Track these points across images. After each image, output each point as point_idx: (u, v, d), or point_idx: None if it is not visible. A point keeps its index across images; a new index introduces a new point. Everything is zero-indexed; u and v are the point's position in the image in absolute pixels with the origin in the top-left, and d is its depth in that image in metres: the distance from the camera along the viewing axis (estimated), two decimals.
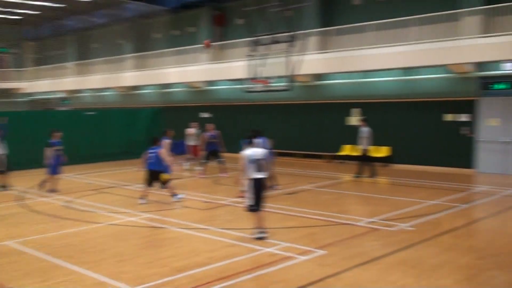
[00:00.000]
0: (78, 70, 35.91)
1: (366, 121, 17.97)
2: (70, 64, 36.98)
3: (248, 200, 9.78)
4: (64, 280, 7.71)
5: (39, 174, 19.38)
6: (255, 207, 9.75)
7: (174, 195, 13.73)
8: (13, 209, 13.37)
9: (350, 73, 21.71)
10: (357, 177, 17.74)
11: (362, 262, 8.27)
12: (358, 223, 10.96)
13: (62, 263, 8.52)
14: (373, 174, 17.66)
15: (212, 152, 18.63)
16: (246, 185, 9.72)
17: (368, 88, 21.55)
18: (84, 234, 10.60)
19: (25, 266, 8.40)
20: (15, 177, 18.73)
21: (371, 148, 18.16)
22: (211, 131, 18.91)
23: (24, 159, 21.19)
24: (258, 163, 9.66)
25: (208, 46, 17.93)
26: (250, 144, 9.93)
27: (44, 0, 30.87)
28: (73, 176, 19.35)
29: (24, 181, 18.15)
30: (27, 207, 13.47)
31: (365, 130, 17.69)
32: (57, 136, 15.90)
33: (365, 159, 17.88)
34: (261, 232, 9.83)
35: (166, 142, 15.89)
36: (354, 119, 21.78)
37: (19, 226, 11.37)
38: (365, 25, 20.29)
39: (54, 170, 15.65)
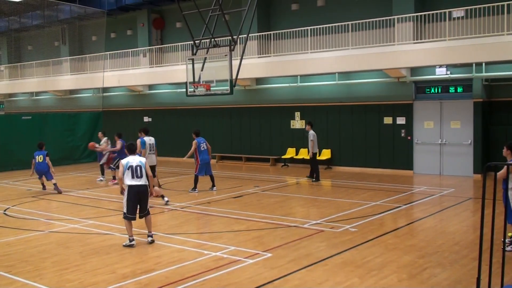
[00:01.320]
0: (11, 73, 34.58)
1: (312, 124, 18.28)
2: (2, 67, 35.54)
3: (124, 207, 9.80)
4: None
5: None
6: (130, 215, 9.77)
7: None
8: None
9: (291, 77, 22.00)
10: (309, 178, 18.13)
11: (308, 264, 8.40)
12: (303, 226, 11.13)
13: (1, 273, 8.20)
14: (317, 177, 18.02)
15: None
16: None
17: (309, 92, 21.91)
18: (25, 242, 10.23)
19: None
20: None
21: (318, 151, 18.59)
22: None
23: None
24: (134, 170, 9.69)
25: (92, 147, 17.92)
26: (130, 151, 10.12)
27: None
28: (10, 183, 18.64)
29: None
30: None
31: (311, 133, 18.03)
32: None
33: (314, 162, 18.25)
34: (131, 240, 9.78)
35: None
36: (297, 123, 22.09)
37: None
38: (304, 30, 20.63)
39: None
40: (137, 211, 9.81)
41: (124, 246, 9.69)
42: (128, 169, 9.64)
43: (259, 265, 8.41)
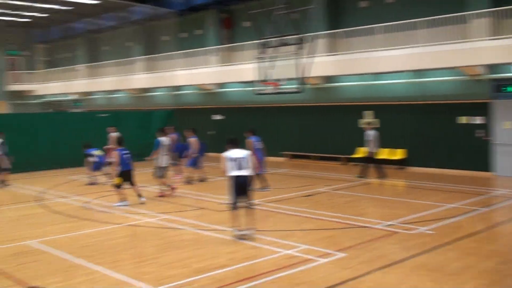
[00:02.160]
0: (89, 72, 36.04)
1: (371, 124, 18.05)
2: (81, 67, 37.13)
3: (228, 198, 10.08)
4: (85, 280, 7.77)
5: (55, 175, 19.57)
6: (234, 205, 9.99)
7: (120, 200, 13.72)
8: (34, 209, 13.46)
9: (361, 75, 21.67)
10: (360, 177, 17.94)
11: (382, 266, 8.23)
12: (376, 226, 10.92)
13: (83, 262, 8.57)
14: (381, 176, 17.74)
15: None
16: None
17: (380, 90, 21.49)
18: (104, 234, 10.65)
19: (48, 265, 8.47)
20: (34, 178, 18.91)
21: (378, 151, 18.32)
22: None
23: (40, 160, 21.37)
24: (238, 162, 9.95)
25: None
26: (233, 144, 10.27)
27: (52, 3, 31.00)
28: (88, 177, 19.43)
29: (42, 182, 18.26)
30: (47, 208, 13.56)
31: (370, 133, 17.85)
32: None
33: (371, 162, 18.06)
34: (238, 231, 10.02)
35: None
36: (366, 122, 21.73)
37: (40, 226, 11.47)
38: (374, 27, 20.24)
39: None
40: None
41: (233, 237, 9.91)
42: (231, 161, 9.91)
43: (331, 265, 8.33)
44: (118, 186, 13.57)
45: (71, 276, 7.92)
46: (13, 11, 32.56)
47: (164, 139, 15.33)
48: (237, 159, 9.96)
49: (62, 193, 15.54)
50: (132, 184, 13.94)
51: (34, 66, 41.44)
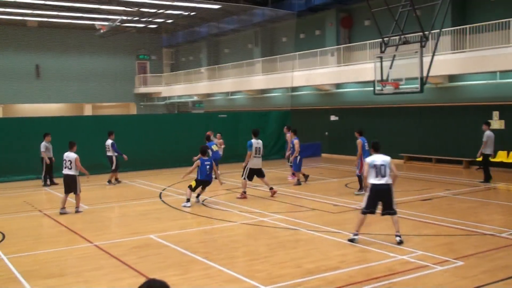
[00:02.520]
0: (210, 74, 37.47)
1: (489, 125, 17.12)
2: (202, 69, 38.70)
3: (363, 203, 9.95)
4: (201, 274, 8.06)
5: (177, 173, 20.50)
6: (366, 210, 9.82)
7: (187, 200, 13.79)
8: (156, 205, 14.27)
9: (488, 74, 20.38)
10: (483, 182, 17.00)
11: (506, 277, 7.70)
12: (501, 234, 10.23)
13: (199, 258, 8.92)
14: (487, 180, 16.89)
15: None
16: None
17: (507, 89, 20.06)
18: (219, 231, 11.02)
19: (167, 259, 8.92)
20: (158, 175, 20.04)
21: (493, 153, 17.40)
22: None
23: (164, 158, 22.62)
24: (378, 169, 9.70)
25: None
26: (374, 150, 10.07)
27: (179, 9, 32.62)
28: None
29: (165, 179, 19.29)
30: (168, 204, 14.31)
31: (487, 134, 16.84)
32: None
33: (485, 164, 17.12)
34: (354, 235, 9.85)
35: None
36: (495, 123, 20.41)
37: (161, 221, 12.11)
38: (505, 22, 18.91)
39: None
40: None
41: (348, 240, 9.84)
42: (372, 167, 9.79)
43: (449, 273, 7.94)
44: (192, 189, 13.85)
45: (188, 270, 8.28)
46: (143, 18, 34.75)
47: (254, 141, 15.15)
48: (378, 165, 9.74)
49: (182, 190, 16.27)
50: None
51: (160, 70, 43.92)
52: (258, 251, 9.35)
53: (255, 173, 15.11)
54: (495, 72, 20.00)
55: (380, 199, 9.76)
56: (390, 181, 9.72)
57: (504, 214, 12.55)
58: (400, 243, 9.58)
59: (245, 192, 14.93)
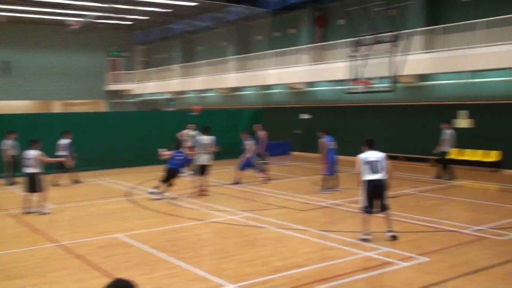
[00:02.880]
0: (183, 72, 37.28)
1: (449, 123, 17.69)
2: (175, 67, 38.49)
3: (362, 201, 9.90)
4: (168, 274, 8.03)
5: (146, 171, 20.41)
6: (368, 208, 9.80)
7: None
8: (123, 204, 14.14)
9: (457, 74, 20.73)
10: (448, 179, 17.44)
11: (468, 272, 7.87)
12: (464, 231, 10.43)
13: (166, 257, 8.88)
14: (451, 177, 17.40)
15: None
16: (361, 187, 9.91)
17: (477, 89, 20.44)
18: (187, 230, 10.98)
19: (133, 258, 8.86)
20: (125, 174, 19.84)
21: (452, 151, 18.05)
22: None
23: (133, 156, 22.42)
24: (372, 165, 9.73)
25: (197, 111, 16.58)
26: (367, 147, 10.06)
27: (154, 6, 32.38)
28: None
29: (133, 178, 19.12)
30: (135, 203, 14.19)
31: (448, 133, 17.34)
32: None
33: (444, 162, 17.66)
34: (365, 235, 9.75)
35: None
36: (462, 122, 20.78)
37: (128, 220, 12.01)
38: (475, 22, 19.26)
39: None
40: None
41: (359, 239, 9.78)
42: (366, 164, 9.80)
43: (413, 269, 8.08)
44: (163, 181, 14.29)
45: (155, 269, 8.23)
46: (117, 14, 34.36)
47: (204, 138, 15.37)
48: (372, 161, 9.78)
49: (150, 189, 16.18)
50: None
51: (132, 67, 43.52)
52: (226, 250, 9.36)
53: (202, 169, 15.24)
54: (464, 72, 20.35)
55: (376, 195, 9.79)
56: (385, 177, 9.80)
57: (467, 211, 12.80)
58: (394, 238, 9.69)
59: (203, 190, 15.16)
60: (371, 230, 9.87)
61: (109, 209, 13.40)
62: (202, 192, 15.09)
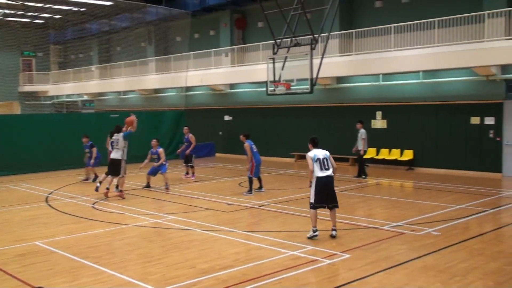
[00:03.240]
0: (101, 73, 36.31)
1: (363, 123, 18.56)
2: (93, 67, 37.42)
3: (310, 197, 10.08)
4: (92, 280, 7.81)
5: (67, 175, 19.68)
6: (315, 204, 10.02)
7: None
8: (42, 210, 13.58)
9: (373, 76, 21.59)
10: (359, 177, 18.35)
11: (388, 267, 8.21)
12: (383, 227, 10.89)
13: (90, 263, 8.63)
14: (360, 175, 18.35)
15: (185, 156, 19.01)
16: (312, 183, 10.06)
17: (392, 91, 21.39)
18: (111, 235, 10.72)
19: (54, 266, 8.54)
20: (43, 179, 19.04)
21: (367, 150, 19.13)
22: (186, 134, 19.17)
23: (51, 161, 21.57)
24: (321, 162, 9.98)
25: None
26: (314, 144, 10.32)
27: (67, 4, 31.28)
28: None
29: (51, 182, 18.41)
30: (56, 208, 13.68)
31: (362, 132, 18.22)
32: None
33: (360, 161, 18.58)
34: (314, 231, 10.01)
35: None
36: (378, 122, 21.67)
37: (48, 226, 11.56)
38: (388, 27, 20.15)
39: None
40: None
41: (308, 237, 9.91)
42: (316, 161, 9.93)
43: (337, 266, 8.32)
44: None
45: (78, 276, 7.98)
46: (29, 12, 32.92)
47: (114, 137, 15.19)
48: (321, 159, 9.99)
49: (71, 194, 15.66)
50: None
51: (48, 67, 41.85)
52: (152, 254, 9.22)
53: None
54: (378, 74, 21.22)
55: (327, 191, 10.01)
56: (332, 173, 10.06)
57: (386, 208, 13.35)
58: (335, 236, 9.97)
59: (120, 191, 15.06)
60: (296, 229, 10.07)
61: (27, 215, 12.82)
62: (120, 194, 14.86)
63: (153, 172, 16.86)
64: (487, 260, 8.46)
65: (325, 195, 10.02)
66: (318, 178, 9.95)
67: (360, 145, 18.24)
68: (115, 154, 14.89)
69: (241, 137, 15.74)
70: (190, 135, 19.08)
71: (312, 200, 10.02)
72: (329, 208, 10.14)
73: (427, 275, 7.77)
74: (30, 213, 13.13)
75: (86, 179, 18.60)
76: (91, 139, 18.59)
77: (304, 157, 23.71)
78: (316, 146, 10.29)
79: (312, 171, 9.96)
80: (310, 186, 10.12)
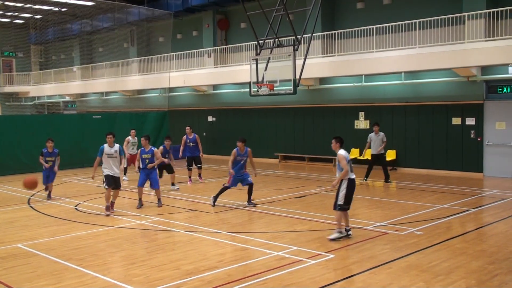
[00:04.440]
0: (83, 73, 36.01)
1: (379, 125, 18.14)
2: (75, 68, 37.08)
3: (338, 199, 10.00)
4: (75, 283, 7.74)
5: None
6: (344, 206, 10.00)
7: None
8: (23, 212, 13.43)
9: (355, 77, 21.72)
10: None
11: (372, 266, 8.26)
12: (367, 227, 10.96)
13: (73, 266, 8.55)
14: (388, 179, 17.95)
15: (191, 158, 18.32)
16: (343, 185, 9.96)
17: (374, 91, 21.55)
18: (94, 237, 10.63)
19: (37, 269, 8.44)
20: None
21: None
22: (190, 135, 18.56)
23: (32, 162, 21.30)
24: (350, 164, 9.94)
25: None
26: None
27: (48, 4, 30.98)
28: (81, 179, 19.43)
29: None
30: (37, 210, 13.53)
31: (382, 135, 17.84)
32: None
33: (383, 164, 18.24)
34: (338, 232, 10.00)
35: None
36: (361, 123, 21.80)
37: (30, 229, 11.42)
38: (369, 28, 20.30)
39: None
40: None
41: (330, 239, 9.84)
42: (348, 162, 9.85)
43: (321, 266, 8.35)
44: None
45: (61, 279, 7.91)
46: (9, 12, 32.53)
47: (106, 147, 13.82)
48: (350, 160, 9.97)
49: (53, 196, 15.48)
50: None
51: (28, 68, 41.38)
52: (136, 255, 9.17)
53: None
54: (360, 75, 21.35)
55: (353, 194, 10.10)
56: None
57: (370, 208, 13.44)
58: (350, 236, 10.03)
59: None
60: (280, 229, 10.08)
61: (8, 217, 12.66)
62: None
63: (144, 180, 14.09)
64: (469, 259, 8.56)
65: (352, 197, 10.08)
66: (351, 180, 9.92)
67: (378, 148, 17.66)
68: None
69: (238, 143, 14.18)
70: (196, 135, 18.61)
71: (342, 202, 9.94)
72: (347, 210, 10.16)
73: (411, 275, 7.84)
74: (11, 215, 12.97)
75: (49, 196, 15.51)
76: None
77: (288, 158, 24.11)
78: (342, 145, 10.21)
79: (347, 172, 9.83)
80: (334, 187, 10.10)
